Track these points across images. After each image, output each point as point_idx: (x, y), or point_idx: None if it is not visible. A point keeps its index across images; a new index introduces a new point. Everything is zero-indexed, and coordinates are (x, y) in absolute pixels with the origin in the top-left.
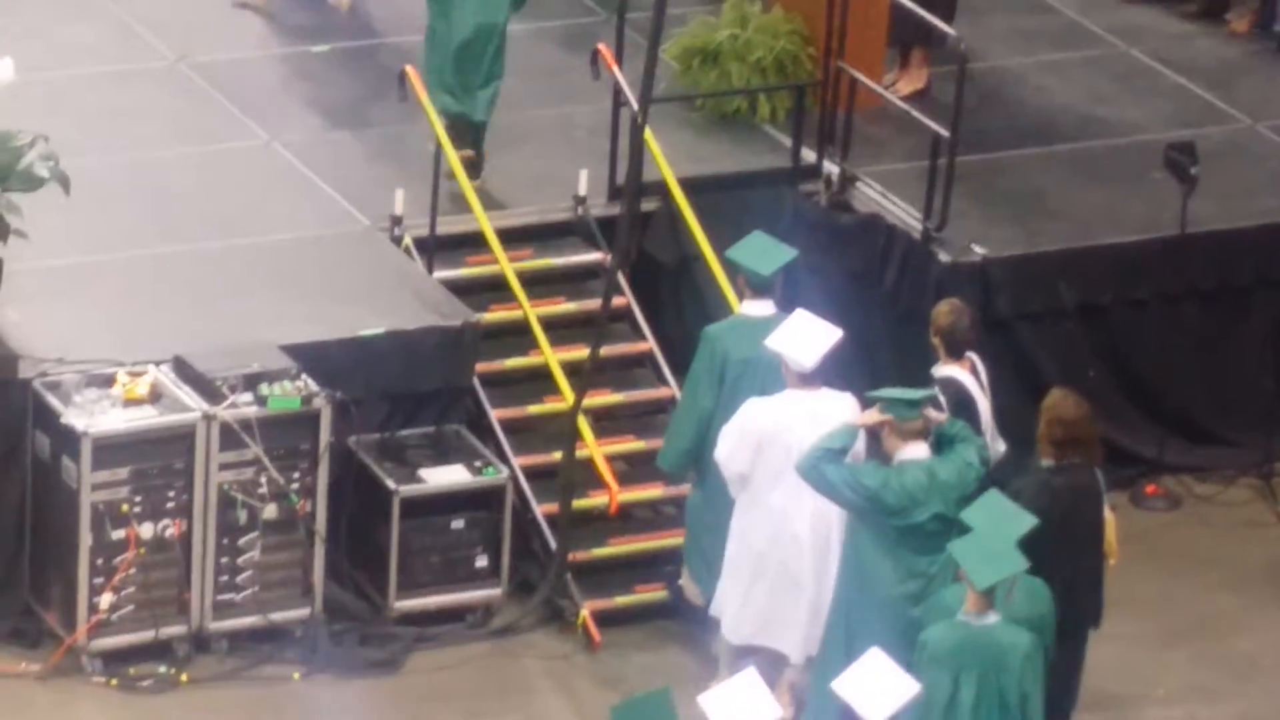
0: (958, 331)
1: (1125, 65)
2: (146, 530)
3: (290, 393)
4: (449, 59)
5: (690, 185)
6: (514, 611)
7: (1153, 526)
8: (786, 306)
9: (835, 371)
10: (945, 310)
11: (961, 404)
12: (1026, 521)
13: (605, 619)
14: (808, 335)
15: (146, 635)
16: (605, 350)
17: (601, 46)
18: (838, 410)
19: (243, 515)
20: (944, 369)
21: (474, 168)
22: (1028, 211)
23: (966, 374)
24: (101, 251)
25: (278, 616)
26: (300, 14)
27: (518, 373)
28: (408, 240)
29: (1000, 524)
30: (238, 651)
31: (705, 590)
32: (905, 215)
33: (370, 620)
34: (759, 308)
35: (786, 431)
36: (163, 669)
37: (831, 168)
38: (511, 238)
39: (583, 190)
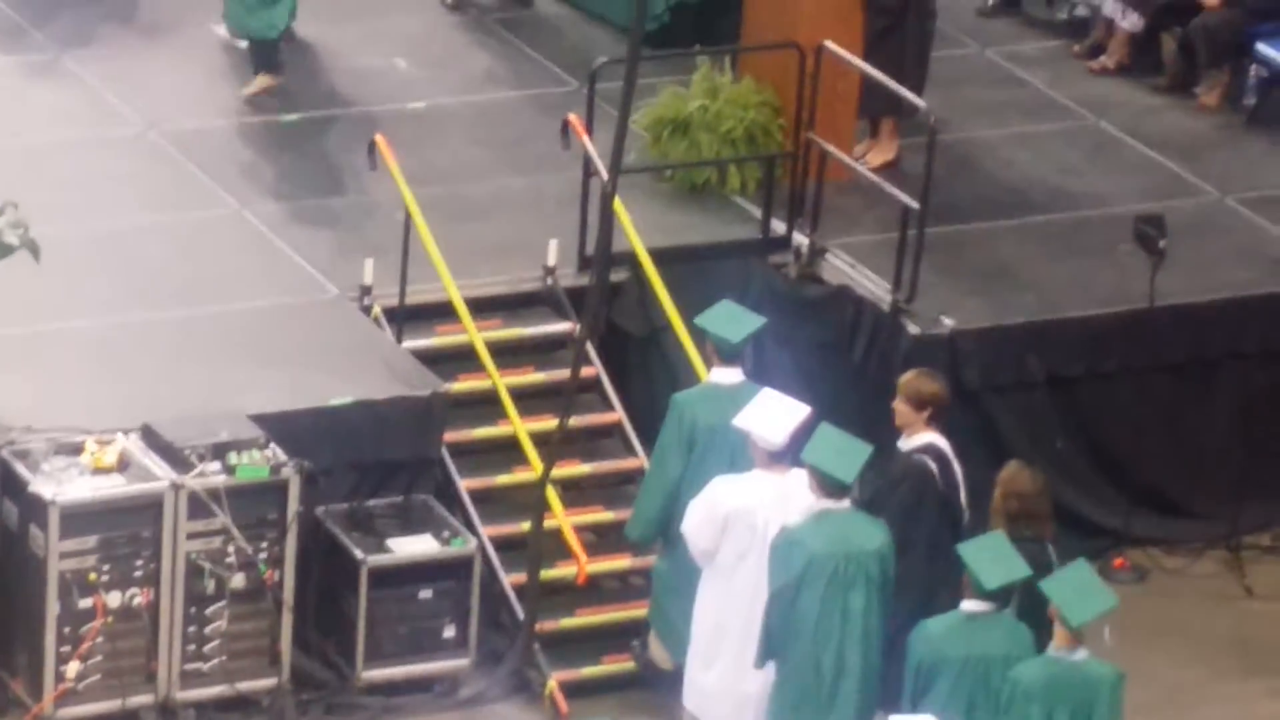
0: (943, 399)
1: (1095, 138)
2: (114, 599)
3: (258, 462)
4: None
5: (660, 256)
6: (481, 682)
7: (1120, 599)
8: (755, 375)
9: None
10: (930, 377)
11: (944, 470)
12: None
13: (573, 689)
14: (776, 414)
15: (114, 705)
16: (574, 421)
17: (571, 116)
18: (805, 492)
19: (210, 584)
20: (924, 435)
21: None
22: (997, 283)
23: (944, 440)
24: (70, 319)
25: (245, 686)
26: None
27: (486, 443)
28: (377, 309)
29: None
30: None
31: (674, 655)
32: (874, 287)
33: (338, 690)
34: (728, 375)
35: (752, 512)
36: None
37: (801, 239)
38: (481, 307)
39: (552, 260)
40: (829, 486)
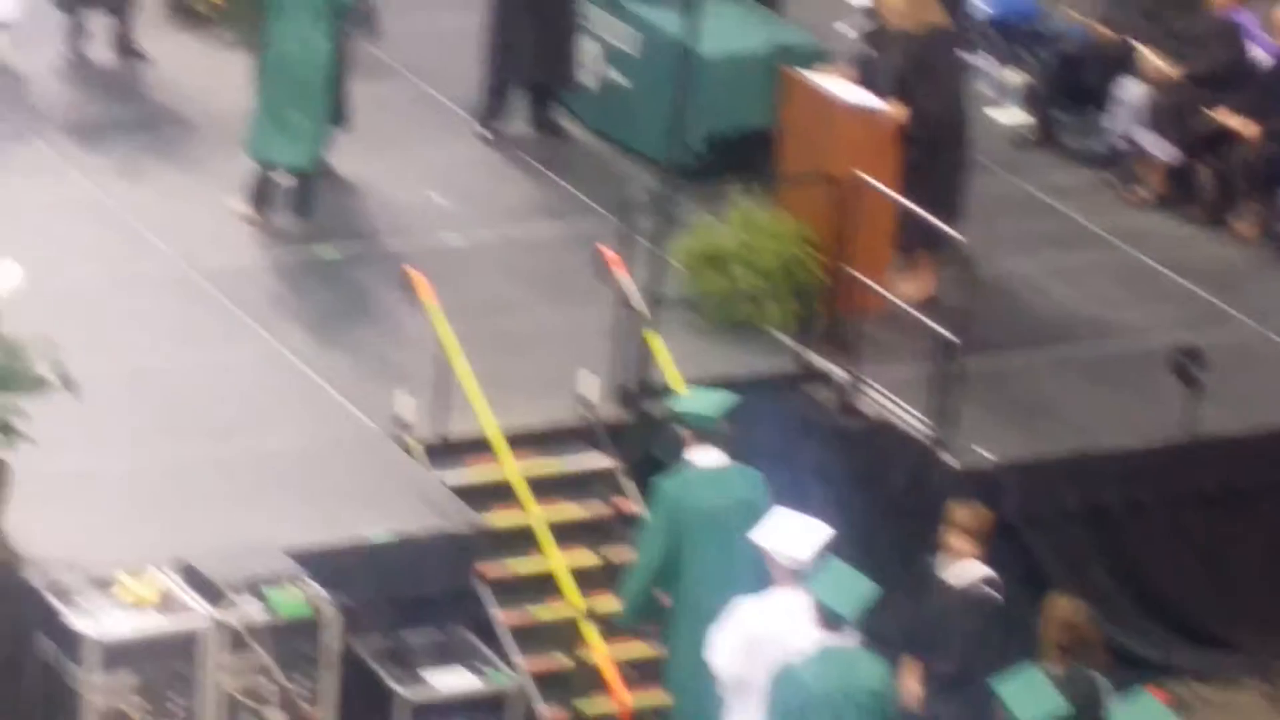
0: (992, 529)
1: (1132, 269)
2: None
3: (296, 597)
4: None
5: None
6: None
7: None
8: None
9: None
10: (979, 507)
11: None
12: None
13: None
14: (797, 531)
15: None
16: (612, 554)
17: (606, 250)
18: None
19: None
20: (974, 567)
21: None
22: (1035, 416)
23: (991, 571)
24: (108, 455)
25: None
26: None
27: (523, 576)
28: (414, 444)
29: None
30: None
31: None
32: (912, 420)
33: None
34: (709, 456)
35: (780, 634)
36: None
37: (839, 373)
38: (517, 441)
39: (587, 394)
40: (829, 619)
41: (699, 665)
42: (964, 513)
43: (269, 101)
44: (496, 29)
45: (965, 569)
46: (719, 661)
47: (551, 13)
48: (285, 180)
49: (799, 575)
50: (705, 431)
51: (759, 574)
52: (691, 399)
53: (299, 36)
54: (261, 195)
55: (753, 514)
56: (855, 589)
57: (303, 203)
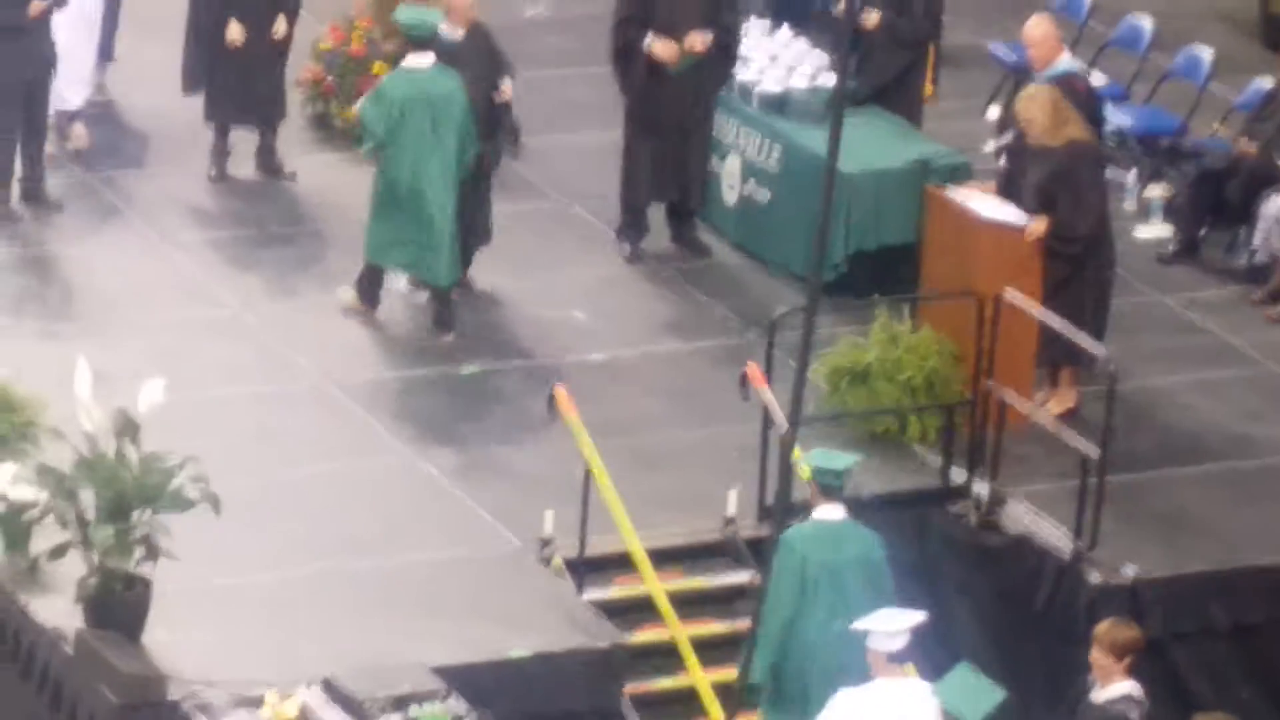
0: (1140, 646)
1: (1275, 384)
2: None
3: (440, 714)
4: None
5: None
6: None
7: None
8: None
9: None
10: (1126, 625)
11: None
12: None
13: None
14: (891, 620)
15: None
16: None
17: (750, 366)
18: (927, 700)
19: None
20: (1122, 684)
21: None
22: (1178, 531)
23: (1139, 688)
24: (250, 572)
25: None
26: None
27: (667, 694)
28: (557, 560)
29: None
30: None
31: None
32: (1055, 535)
33: None
34: (832, 512)
35: None
36: None
37: (981, 488)
38: (661, 558)
39: (731, 510)
40: None
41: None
42: (1107, 629)
43: (387, 216)
44: (627, 150)
45: (1110, 687)
46: None
47: (679, 134)
48: (411, 287)
49: (894, 658)
50: (830, 488)
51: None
52: (821, 456)
53: (411, 166)
54: (369, 289)
55: (869, 570)
56: (983, 695)
57: (440, 319)
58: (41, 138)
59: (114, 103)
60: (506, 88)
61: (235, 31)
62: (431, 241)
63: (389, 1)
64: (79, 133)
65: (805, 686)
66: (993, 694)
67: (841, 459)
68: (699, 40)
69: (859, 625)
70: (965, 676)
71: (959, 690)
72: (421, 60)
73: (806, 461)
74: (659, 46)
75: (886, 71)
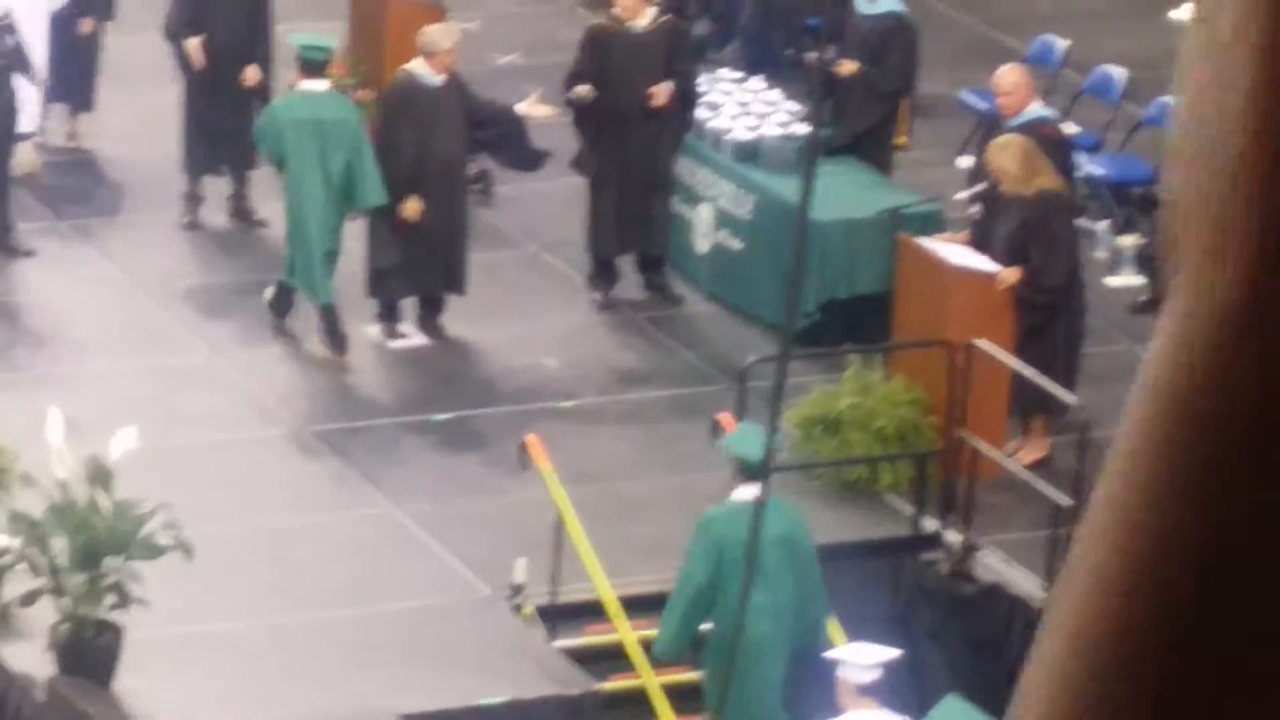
0: None
1: None
2: None
3: None
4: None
5: None
6: None
7: None
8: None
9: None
10: None
11: None
12: None
13: None
14: (866, 653)
15: None
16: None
17: (722, 415)
18: None
19: None
20: None
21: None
22: None
23: None
24: (222, 619)
25: None
26: (419, 381)
27: None
28: (529, 609)
29: None
30: None
31: None
32: (1028, 584)
33: None
34: (750, 493)
35: None
36: None
37: (953, 537)
38: (633, 606)
39: None
40: None
41: (737, 698)
42: None
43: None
44: (591, 202)
45: None
46: None
47: (642, 185)
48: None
49: (864, 691)
50: (750, 472)
51: (797, 610)
52: (741, 438)
53: (296, 186)
54: (279, 304)
55: (790, 546)
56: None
57: (329, 338)
58: (5, 189)
59: (88, 150)
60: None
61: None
62: (310, 260)
63: (364, 50)
64: (26, 156)
65: (740, 666)
66: None
67: (759, 441)
68: (662, 93)
69: (830, 655)
70: (954, 709)
71: None
72: (315, 85)
73: (729, 440)
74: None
75: (861, 122)
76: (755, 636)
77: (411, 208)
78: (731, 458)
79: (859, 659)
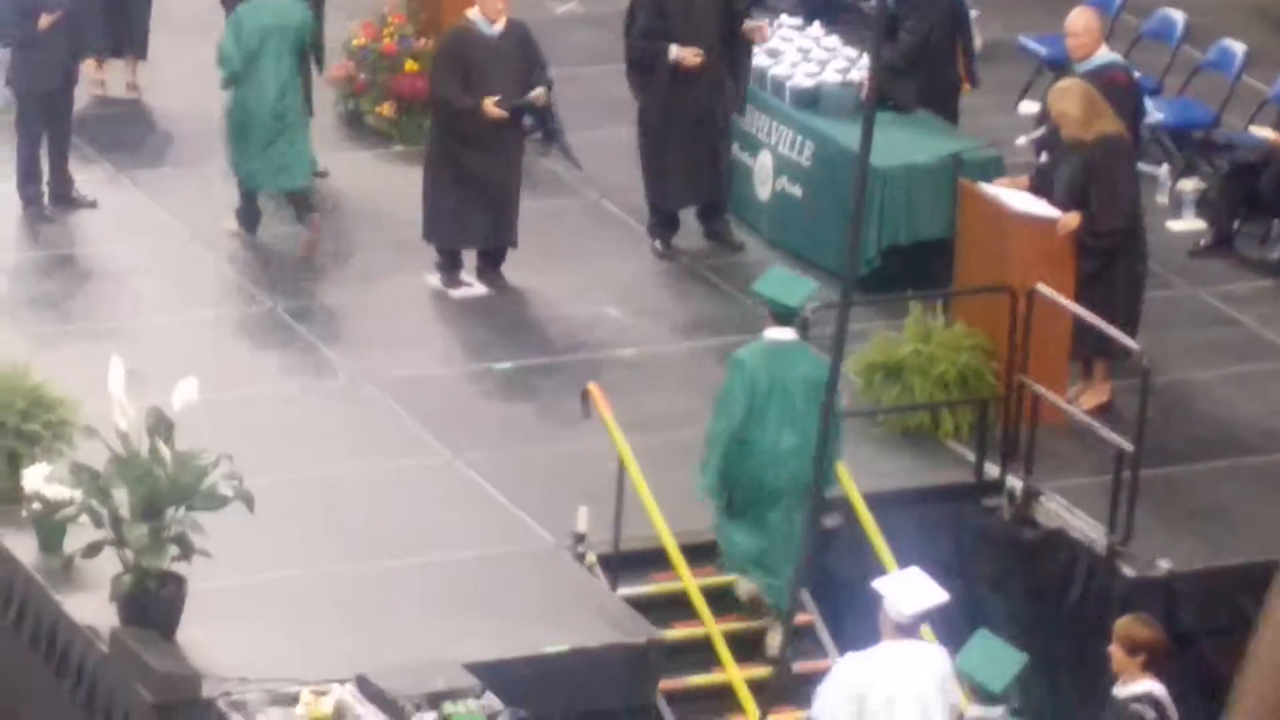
0: (1157, 645)
1: None
2: None
3: (474, 711)
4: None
5: (873, 501)
6: None
7: None
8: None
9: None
10: (1144, 623)
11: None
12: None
13: None
14: (913, 588)
15: None
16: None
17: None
18: (932, 662)
19: None
20: (1141, 683)
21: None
22: (1213, 525)
23: (1161, 688)
24: (284, 569)
25: None
26: (481, 330)
27: (701, 690)
28: (591, 557)
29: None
30: None
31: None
32: (1089, 530)
33: None
34: (783, 334)
35: (883, 684)
36: None
37: (1015, 483)
38: (695, 554)
39: None
40: (980, 696)
41: (758, 535)
42: (1125, 625)
43: (249, 138)
44: (650, 155)
45: (1130, 685)
46: (823, 717)
47: (702, 134)
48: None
49: (902, 629)
50: (785, 315)
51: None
52: (777, 284)
53: (260, 81)
54: (248, 215)
55: (818, 390)
56: (1005, 661)
57: (300, 212)
58: (65, 145)
59: (144, 101)
60: (539, 94)
61: None
62: (293, 151)
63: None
64: None
65: (757, 498)
66: (1014, 659)
67: (796, 289)
68: (761, 30)
69: (878, 585)
70: (985, 643)
71: (980, 658)
72: None
73: (760, 285)
74: (686, 55)
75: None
76: (786, 475)
77: (489, 108)
78: (764, 301)
79: (905, 598)
